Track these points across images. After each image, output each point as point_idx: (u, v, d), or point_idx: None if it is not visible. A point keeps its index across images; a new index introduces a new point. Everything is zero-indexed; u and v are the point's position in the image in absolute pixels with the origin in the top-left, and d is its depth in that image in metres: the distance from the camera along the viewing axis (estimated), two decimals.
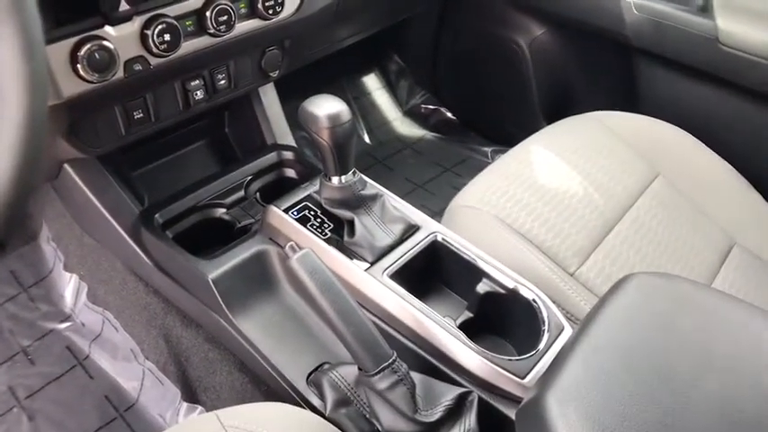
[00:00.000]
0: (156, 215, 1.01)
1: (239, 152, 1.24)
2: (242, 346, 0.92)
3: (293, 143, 1.21)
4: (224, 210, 1.06)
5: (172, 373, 1.16)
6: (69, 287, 1.37)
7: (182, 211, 1.04)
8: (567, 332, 0.81)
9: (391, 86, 2.11)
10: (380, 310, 0.83)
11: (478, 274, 0.87)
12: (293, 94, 1.28)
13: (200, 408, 1.12)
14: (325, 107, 0.83)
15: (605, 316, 0.64)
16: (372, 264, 0.86)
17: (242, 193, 1.08)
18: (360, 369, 0.73)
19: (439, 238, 0.90)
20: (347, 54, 1.73)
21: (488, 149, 1.93)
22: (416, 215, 0.94)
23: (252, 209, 1.06)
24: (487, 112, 1.97)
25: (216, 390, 1.06)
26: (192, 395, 1.13)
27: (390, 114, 2.08)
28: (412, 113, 2.09)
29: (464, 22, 1.88)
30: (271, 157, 1.14)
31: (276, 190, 1.07)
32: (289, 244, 0.73)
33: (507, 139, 1.75)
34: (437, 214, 1.08)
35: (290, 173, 1.14)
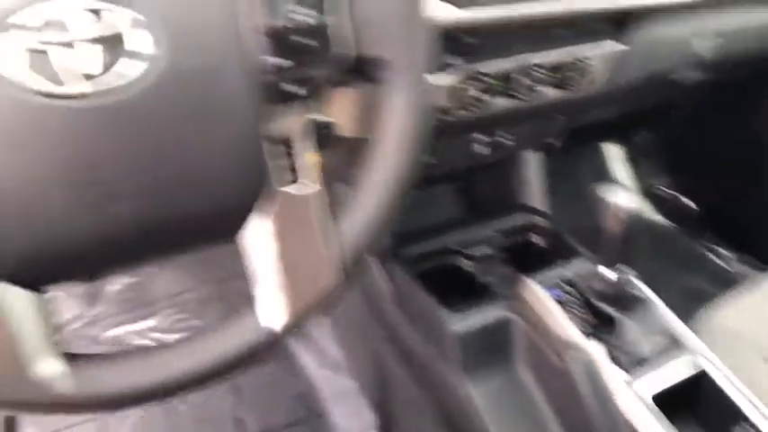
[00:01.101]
0: (406, 249, 1.04)
1: (487, 203, 1.24)
2: (460, 406, 0.90)
3: (545, 208, 1.18)
4: (468, 261, 1.05)
5: (373, 400, 1.18)
6: None
7: (428, 251, 1.05)
8: None
9: (632, 161, 2.00)
10: (632, 429, 0.77)
11: (738, 416, 0.78)
12: None
13: None
14: (622, 197, 0.80)
15: None
16: (628, 372, 0.80)
17: (488, 249, 1.07)
18: None
19: (707, 369, 0.82)
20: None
21: (730, 255, 1.75)
22: (681, 330, 0.87)
23: (495, 267, 1.05)
24: (736, 212, 1.79)
25: None
26: (386, 428, 1.14)
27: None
28: (648, 193, 1.97)
29: (732, 112, 1.73)
30: (519, 218, 1.12)
31: (522, 255, 1.05)
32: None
33: (754, 246, 1.59)
34: None
35: (538, 240, 1.11)
